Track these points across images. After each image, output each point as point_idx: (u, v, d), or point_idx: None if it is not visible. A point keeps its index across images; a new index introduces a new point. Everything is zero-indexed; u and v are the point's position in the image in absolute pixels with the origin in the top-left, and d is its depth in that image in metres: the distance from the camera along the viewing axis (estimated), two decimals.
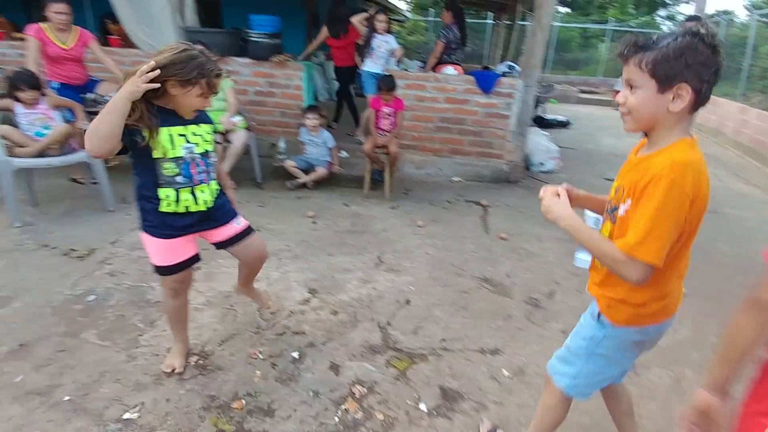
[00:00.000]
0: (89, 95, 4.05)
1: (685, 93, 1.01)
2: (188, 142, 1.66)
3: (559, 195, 1.22)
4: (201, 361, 2.06)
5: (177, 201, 1.68)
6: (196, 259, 1.88)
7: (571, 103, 12.28)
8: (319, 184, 4.43)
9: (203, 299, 2.53)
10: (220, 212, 1.85)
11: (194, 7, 4.78)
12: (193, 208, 1.72)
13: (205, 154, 1.72)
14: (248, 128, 4.24)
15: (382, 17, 4.99)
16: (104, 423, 1.73)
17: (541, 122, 8.47)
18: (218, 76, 1.60)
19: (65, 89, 3.91)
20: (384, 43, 5.00)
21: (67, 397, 1.85)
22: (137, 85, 1.43)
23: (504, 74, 5.12)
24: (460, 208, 4.19)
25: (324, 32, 5.38)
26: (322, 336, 2.28)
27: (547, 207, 1.20)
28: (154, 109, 1.56)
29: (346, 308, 2.52)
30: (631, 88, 1.07)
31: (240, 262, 2.10)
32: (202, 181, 1.72)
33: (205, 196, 1.74)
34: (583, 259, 3.11)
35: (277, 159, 4.64)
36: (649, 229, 0.99)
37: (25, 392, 1.86)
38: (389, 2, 13.01)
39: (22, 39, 4.31)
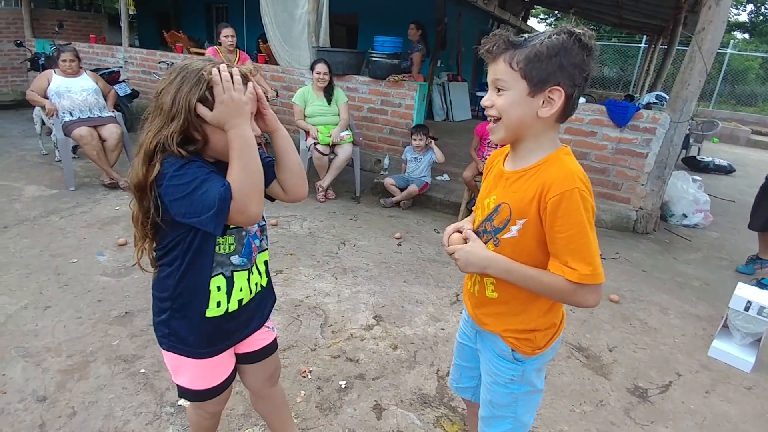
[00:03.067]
0: None
1: (557, 97, 0.94)
2: None
3: (466, 239, 1.11)
4: None
5: (230, 293, 1.15)
6: (236, 369, 1.32)
7: (740, 145, 10.36)
8: (414, 205, 4.31)
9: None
10: (267, 298, 1.32)
11: (327, 30, 5.11)
12: (246, 299, 1.20)
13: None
14: (354, 142, 4.33)
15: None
16: (162, 404, 1.85)
17: (694, 165, 7.22)
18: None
19: None
20: None
21: (142, 370, 2.02)
22: (234, 93, 0.97)
23: (648, 105, 4.45)
24: None
25: None
26: (374, 370, 2.13)
27: (465, 259, 1.08)
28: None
29: (407, 345, 2.33)
30: (498, 90, 0.98)
31: (251, 389, 1.44)
32: (257, 253, 1.22)
33: (257, 278, 1.23)
34: (721, 350, 2.45)
35: (380, 175, 4.66)
36: (591, 252, 0.94)
37: (116, 356, 2.10)
38: (527, 26, 12.52)
39: (200, 53, 5.12)
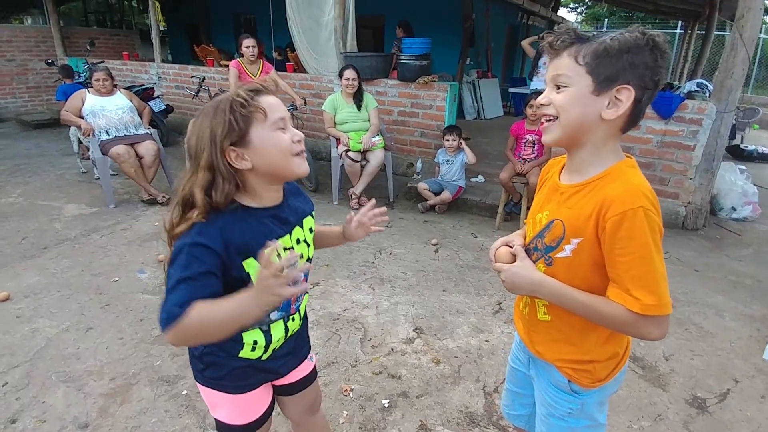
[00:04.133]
0: None
1: (625, 98, 0.85)
2: None
3: (515, 256, 1.01)
4: None
5: (267, 344, 1.10)
6: (274, 400, 1.28)
7: None
8: (449, 209, 4.20)
9: (313, 317, 2.53)
10: (303, 339, 1.26)
11: (354, 35, 5.07)
12: (279, 346, 1.15)
13: (307, 264, 1.09)
14: (385, 147, 4.26)
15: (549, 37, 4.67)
16: (205, 427, 1.81)
17: (738, 154, 6.82)
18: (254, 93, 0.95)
19: None
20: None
21: (185, 391, 2.00)
22: (279, 289, 0.82)
23: (690, 94, 4.19)
24: None
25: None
26: (418, 387, 2.05)
27: (512, 281, 0.99)
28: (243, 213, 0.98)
29: (451, 359, 2.24)
30: (558, 87, 0.89)
31: (292, 419, 1.39)
32: (297, 308, 1.15)
33: (296, 324, 1.17)
34: None
35: (413, 179, 4.57)
36: (657, 279, 0.84)
37: (159, 377, 2.09)
38: (558, 16, 12.15)
39: (227, 66, 5.18)
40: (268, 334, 1.09)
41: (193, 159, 0.94)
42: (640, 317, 0.85)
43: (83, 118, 4.15)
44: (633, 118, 0.88)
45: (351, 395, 1.99)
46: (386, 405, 1.94)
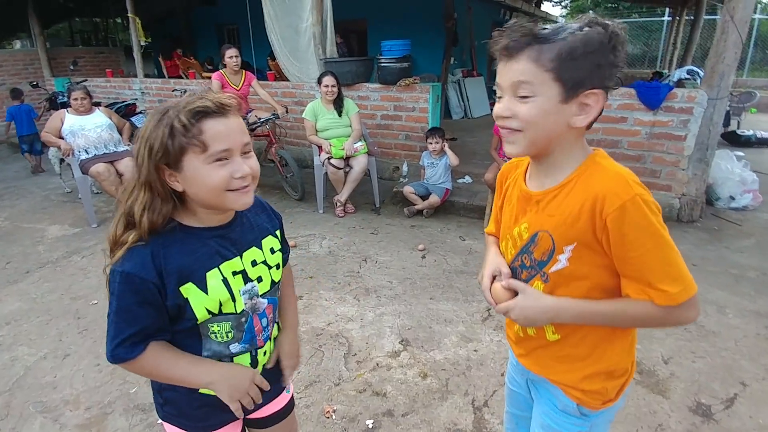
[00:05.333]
0: (249, 116, 4.71)
1: (594, 102, 0.78)
2: (247, 280, 0.96)
3: (515, 290, 0.91)
4: None
5: None
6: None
7: None
8: (437, 211, 4.12)
9: None
10: (274, 374, 1.10)
11: (333, 41, 5.00)
12: None
13: (273, 291, 1.03)
14: (369, 152, 4.18)
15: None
16: None
17: (735, 140, 6.72)
18: (203, 111, 0.82)
19: None
20: None
21: (159, 420, 1.89)
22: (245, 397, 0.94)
23: (680, 82, 4.11)
24: None
25: None
26: (403, 404, 1.96)
27: (525, 317, 0.89)
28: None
29: (438, 372, 2.15)
30: (522, 96, 0.79)
31: None
32: (267, 338, 1.04)
33: (267, 357, 1.07)
34: None
35: (399, 183, 4.49)
36: (676, 263, 0.79)
37: (134, 406, 2.02)
38: (541, 12, 12.11)
39: (209, 78, 5.17)
40: None
41: (138, 169, 0.86)
42: (672, 308, 0.80)
43: (63, 139, 4.08)
44: (598, 116, 0.81)
45: (333, 417, 1.91)
46: (370, 426, 1.85)
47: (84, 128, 4.11)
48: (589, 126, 0.82)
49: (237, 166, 0.84)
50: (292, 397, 1.23)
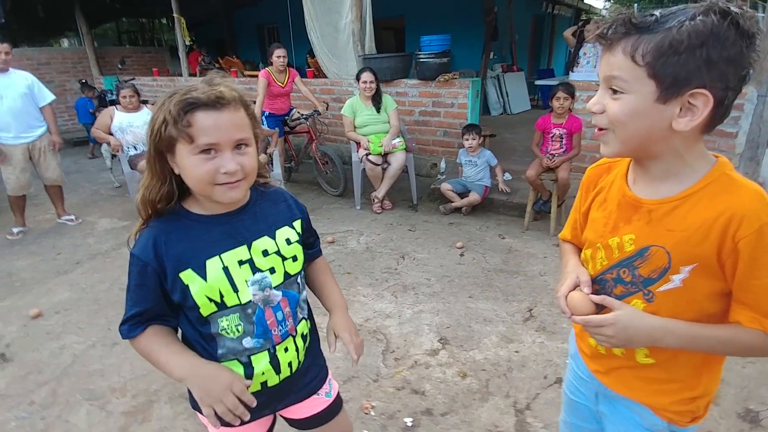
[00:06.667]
0: (292, 113, 4.87)
1: (702, 104, 0.67)
2: (256, 270, 0.93)
3: (600, 304, 0.82)
4: None
5: (248, 377, 0.96)
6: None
7: None
8: (475, 209, 4.04)
9: None
10: (309, 376, 1.10)
11: (372, 37, 5.00)
12: (272, 382, 1.00)
13: (289, 283, 0.98)
14: (407, 149, 4.15)
15: (589, 27, 4.56)
16: None
17: None
18: (219, 99, 0.81)
19: (271, 117, 4.71)
20: (591, 50, 4.60)
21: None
22: (216, 402, 0.85)
23: None
24: None
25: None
26: (443, 404, 1.93)
27: (625, 337, 0.79)
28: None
29: (478, 372, 2.10)
30: (614, 91, 0.72)
31: None
32: (287, 334, 0.99)
33: (290, 356, 1.01)
34: None
35: (437, 180, 4.44)
36: None
37: (179, 394, 2.06)
38: (585, 4, 11.69)
39: (254, 76, 5.30)
40: (248, 367, 0.96)
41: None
42: None
43: (113, 135, 4.27)
44: (715, 120, 0.70)
45: (372, 413, 1.90)
46: (409, 424, 1.83)
47: (132, 125, 4.27)
48: (707, 130, 0.72)
49: (224, 161, 0.82)
50: (338, 397, 1.20)
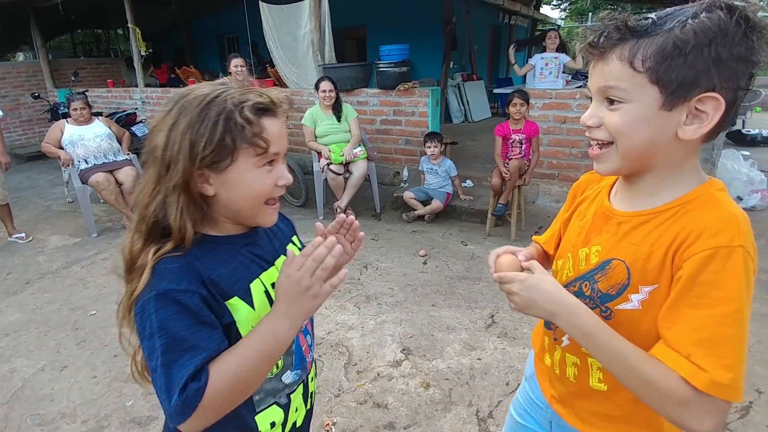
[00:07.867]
0: None
1: (712, 108, 0.61)
2: None
3: (529, 268, 0.78)
4: None
5: (285, 424, 0.84)
6: None
7: None
8: (438, 216, 4.08)
9: None
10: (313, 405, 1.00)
11: (331, 46, 5.00)
12: (300, 420, 0.88)
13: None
14: (368, 158, 4.15)
15: (552, 35, 4.86)
16: None
17: (740, 139, 6.69)
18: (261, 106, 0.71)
19: None
20: (552, 60, 4.74)
21: None
22: (318, 286, 0.69)
23: None
24: None
25: None
26: (405, 416, 1.91)
27: (528, 297, 0.73)
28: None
29: (441, 381, 2.10)
30: (611, 102, 0.65)
31: None
32: (312, 360, 0.91)
33: (314, 384, 0.93)
34: None
35: (399, 188, 4.46)
36: (737, 351, 0.60)
37: (130, 419, 1.97)
38: (540, 14, 12.10)
39: None
40: (287, 408, 0.82)
41: (160, 166, 0.69)
42: (698, 395, 0.60)
43: (63, 149, 4.08)
44: (724, 125, 0.64)
45: (333, 430, 1.86)
46: None
47: (83, 138, 4.10)
48: (707, 140, 0.66)
49: (281, 171, 0.74)
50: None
